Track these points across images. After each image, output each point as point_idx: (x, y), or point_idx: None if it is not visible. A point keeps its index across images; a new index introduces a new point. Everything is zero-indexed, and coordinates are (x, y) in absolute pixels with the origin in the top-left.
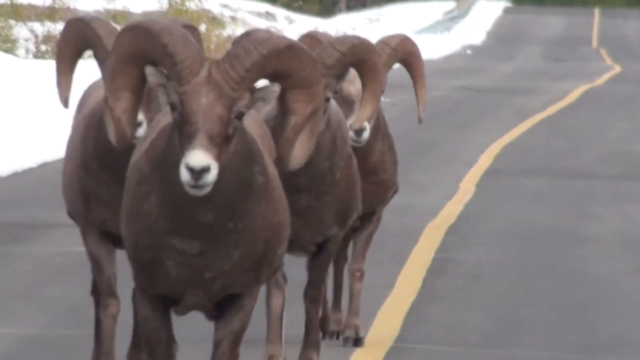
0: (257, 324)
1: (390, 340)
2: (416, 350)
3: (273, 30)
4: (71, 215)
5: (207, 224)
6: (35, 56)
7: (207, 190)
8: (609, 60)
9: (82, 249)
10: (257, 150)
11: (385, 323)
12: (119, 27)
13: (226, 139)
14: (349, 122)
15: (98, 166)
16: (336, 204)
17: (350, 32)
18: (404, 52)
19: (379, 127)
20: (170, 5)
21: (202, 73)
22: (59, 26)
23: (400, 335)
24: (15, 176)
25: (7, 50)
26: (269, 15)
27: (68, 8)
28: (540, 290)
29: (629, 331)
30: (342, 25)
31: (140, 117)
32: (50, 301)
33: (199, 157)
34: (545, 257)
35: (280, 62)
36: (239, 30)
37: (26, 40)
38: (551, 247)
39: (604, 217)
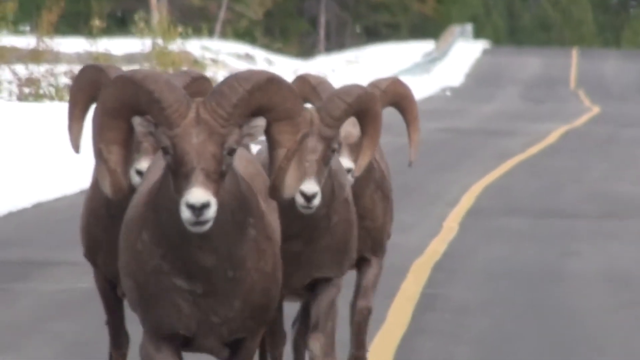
0: None
1: None
2: None
3: None
4: (85, 257)
5: (207, 268)
6: (19, 99)
7: (208, 226)
8: (587, 102)
9: (84, 285)
10: (252, 201)
11: (377, 355)
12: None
13: (221, 175)
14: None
15: (106, 215)
16: (332, 247)
17: (329, 74)
18: (395, 94)
19: (371, 172)
20: (153, 47)
21: (191, 114)
22: (42, 69)
23: None
24: (10, 216)
25: None
26: (248, 57)
27: (52, 50)
28: (525, 324)
29: None
30: (321, 66)
31: (146, 165)
32: (56, 336)
33: (198, 194)
34: (529, 293)
35: (263, 96)
36: (220, 73)
37: (9, 82)
38: (535, 283)
39: (586, 254)
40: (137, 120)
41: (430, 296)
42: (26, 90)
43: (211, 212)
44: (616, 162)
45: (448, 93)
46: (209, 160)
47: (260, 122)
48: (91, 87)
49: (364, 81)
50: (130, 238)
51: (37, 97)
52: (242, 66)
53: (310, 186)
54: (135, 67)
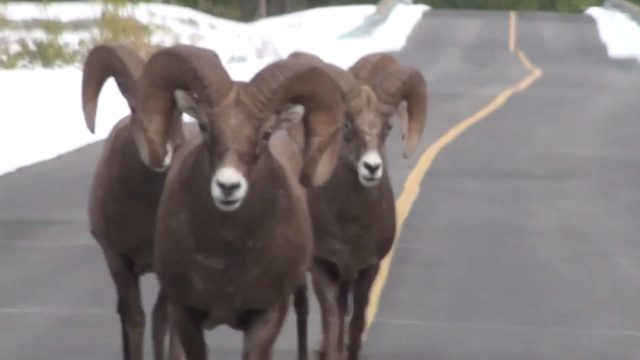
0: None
1: (370, 317)
2: (393, 325)
3: (197, 36)
4: (94, 234)
5: (229, 242)
6: None
7: (236, 205)
8: (527, 64)
9: (83, 242)
10: (282, 175)
11: None
12: (141, 55)
13: (254, 158)
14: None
15: (121, 189)
16: (380, 234)
17: (272, 38)
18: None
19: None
20: (103, 14)
21: (231, 95)
22: None
23: (378, 313)
24: None
25: None
26: (192, 22)
27: (4, 19)
28: (490, 275)
29: (570, 307)
30: (264, 30)
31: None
32: (71, 286)
33: (229, 174)
34: (491, 247)
35: (303, 84)
36: (167, 39)
37: None
38: (495, 238)
39: (539, 212)
40: (180, 94)
41: (403, 250)
42: None
43: (240, 193)
44: (562, 124)
45: None
46: (244, 142)
47: (299, 109)
48: (103, 67)
49: (308, 45)
50: (164, 216)
51: None
52: (186, 31)
53: (374, 157)
54: (84, 34)
